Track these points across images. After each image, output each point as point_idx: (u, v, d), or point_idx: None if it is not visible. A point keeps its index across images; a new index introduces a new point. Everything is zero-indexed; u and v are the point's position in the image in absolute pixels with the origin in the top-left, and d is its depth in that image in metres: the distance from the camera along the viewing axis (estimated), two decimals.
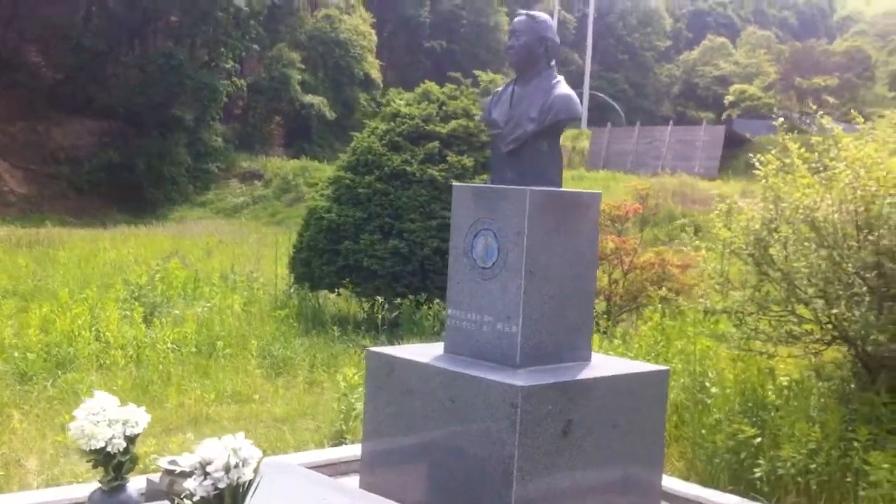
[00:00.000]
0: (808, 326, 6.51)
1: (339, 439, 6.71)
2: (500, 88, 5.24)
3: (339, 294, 11.70)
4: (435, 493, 4.76)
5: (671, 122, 38.61)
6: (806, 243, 6.21)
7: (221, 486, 3.54)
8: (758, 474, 5.83)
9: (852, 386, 6.63)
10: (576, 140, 37.96)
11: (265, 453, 6.55)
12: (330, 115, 39.14)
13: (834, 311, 5.83)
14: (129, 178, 32.55)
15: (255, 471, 3.60)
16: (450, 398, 4.72)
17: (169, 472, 3.99)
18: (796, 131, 7.29)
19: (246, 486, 3.60)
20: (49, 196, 31.45)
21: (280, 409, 7.52)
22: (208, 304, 10.80)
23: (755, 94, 46.78)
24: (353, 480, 5.39)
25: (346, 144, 40.58)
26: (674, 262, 11.20)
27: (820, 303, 6.07)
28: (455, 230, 5.10)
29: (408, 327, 10.46)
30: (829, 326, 6.20)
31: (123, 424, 4.18)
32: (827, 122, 7.02)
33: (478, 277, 4.94)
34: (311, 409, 7.65)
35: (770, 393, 6.69)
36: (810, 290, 6.20)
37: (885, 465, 5.29)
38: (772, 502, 5.62)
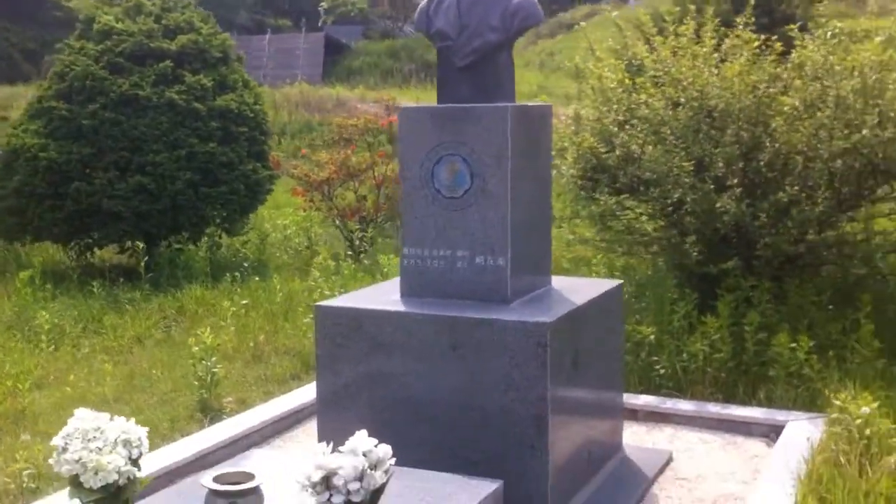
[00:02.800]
0: (662, 223, 6.74)
1: (211, 412, 5.83)
2: None
3: (65, 245, 10.12)
4: (437, 454, 4.26)
5: (269, 31, 37.62)
6: (675, 141, 6.35)
7: (357, 500, 2.86)
8: (661, 371, 6.00)
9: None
10: None
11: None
12: None
13: (718, 205, 6.05)
14: None
15: (387, 472, 2.95)
16: (450, 346, 4.21)
17: (220, 494, 3.13)
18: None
19: (378, 493, 2.94)
20: None
21: (105, 389, 6.36)
22: None
23: (347, 1, 47.50)
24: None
25: None
26: None
27: (688, 197, 6.26)
28: (406, 160, 4.50)
29: (171, 272, 9.33)
30: (692, 222, 6.43)
31: (126, 446, 3.24)
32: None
33: (445, 209, 4.41)
34: (137, 381, 6.56)
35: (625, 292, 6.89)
36: (669, 187, 6.37)
37: (793, 345, 5.67)
38: (687, 397, 5.80)
